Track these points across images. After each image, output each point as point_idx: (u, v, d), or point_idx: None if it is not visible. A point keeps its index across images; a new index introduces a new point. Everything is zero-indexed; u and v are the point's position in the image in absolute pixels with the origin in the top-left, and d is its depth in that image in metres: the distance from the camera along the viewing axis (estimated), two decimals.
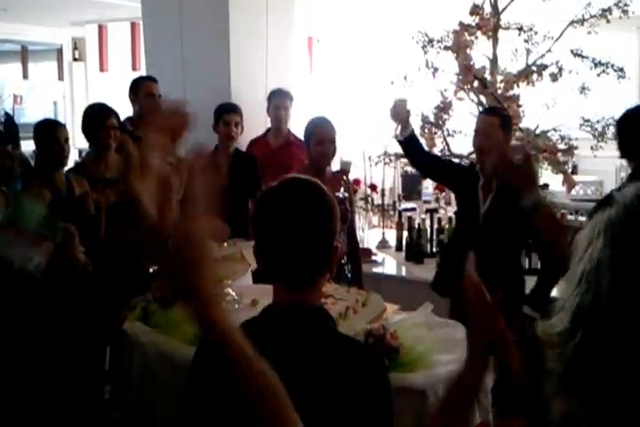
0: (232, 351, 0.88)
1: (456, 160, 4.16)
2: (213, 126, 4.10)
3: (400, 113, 3.30)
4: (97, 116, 3.50)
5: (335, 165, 3.63)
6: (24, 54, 10.06)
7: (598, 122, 4.29)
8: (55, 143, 3.20)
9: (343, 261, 3.43)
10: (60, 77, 10.43)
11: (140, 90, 4.16)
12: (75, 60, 10.42)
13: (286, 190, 1.42)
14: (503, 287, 2.95)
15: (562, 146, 4.28)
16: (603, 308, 0.77)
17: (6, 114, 3.67)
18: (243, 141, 4.47)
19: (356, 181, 4.47)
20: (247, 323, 1.44)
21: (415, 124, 4.46)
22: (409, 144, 3.38)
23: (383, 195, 4.42)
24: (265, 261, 1.42)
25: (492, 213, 3.08)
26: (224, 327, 0.89)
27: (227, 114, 4.08)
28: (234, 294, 2.83)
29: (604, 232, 0.80)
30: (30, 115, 9.35)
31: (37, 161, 3.40)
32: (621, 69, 4.32)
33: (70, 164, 3.73)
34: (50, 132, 3.25)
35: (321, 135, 3.35)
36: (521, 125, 4.33)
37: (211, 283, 0.90)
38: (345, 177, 3.45)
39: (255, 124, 4.64)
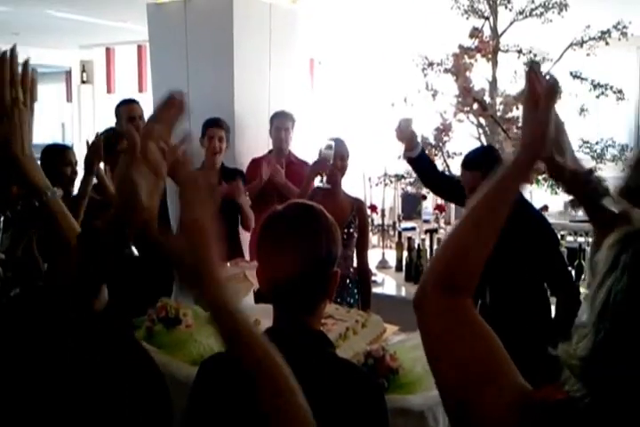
0: (242, 335, 0.89)
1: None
2: (200, 140, 4.14)
3: (405, 133, 3.32)
4: (109, 140, 3.56)
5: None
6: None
7: (597, 143, 4.32)
8: (65, 166, 3.24)
9: (348, 281, 3.45)
10: (69, 99, 10.59)
11: (121, 115, 4.21)
12: (83, 82, 10.57)
13: (289, 215, 1.44)
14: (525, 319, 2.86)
15: None
16: (622, 338, 0.79)
17: None
18: (245, 161, 4.54)
19: (373, 207, 4.50)
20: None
21: None
22: (419, 163, 3.38)
23: (383, 215, 4.45)
24: (266, 283, 1.44)
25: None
26: (231, 308, 0.89)
27: (210, 128, 4.10)
28: None
29: (626, 265, 0.80)
30: (39, 136, 9.45)
31: None
32: (620, 91, 4.36)
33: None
34: (59, 155, 3.29)
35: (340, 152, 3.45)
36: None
37: (217, 265, 0.91)
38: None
39: (258, 144, 4.71)
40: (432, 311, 1.02)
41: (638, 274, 0.79)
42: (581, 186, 1.27)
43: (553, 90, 1.09)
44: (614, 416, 0.79)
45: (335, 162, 3.43)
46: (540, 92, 1.08)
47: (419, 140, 4.31)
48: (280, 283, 1.40)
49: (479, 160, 2.97)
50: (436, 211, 4.65)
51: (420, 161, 3.37)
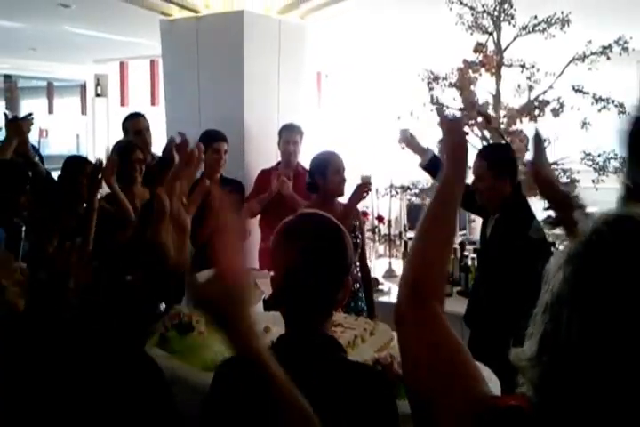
0: (271, 377, 0.92)
1: None
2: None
3: (405, 141, 3.43)
4: (123, 151, 3.68)
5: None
6: (50, 90, 10.44)
7: (599, 156, 4.39)
8: (84, 178, 3.32)
9: (357, 287, 3.52)
10: (83, 112, 10.78)
11: (129, 129, 4.33)
12: (97, 95, 10.76)
13: (303, 225, 1.48)
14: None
15: (564, 179, 4.38)
16: (563, 338, 0.80)
17: (32, 147, 3.91)
18: (254, 171, 4.65)
19: (364, 213, 4.60)
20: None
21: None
22: (433, 169, 3.42)
23: (390, 225, 4.54)
24: (279, 290, 1.47)
25: (492, 240, 3.15)
26: (261, 354, 0.91)
27: (217, 141, 4.19)
28: None
29: (564, 266, 0.82)
30: (55, 147, 9.65)
31: (61, 193, 3.51)
32: (622, 105, 4.43)
33: None
34: (79, 167, 3.39)
35: (337, 164, 3.51)
36: (525, 160, 4.44)
37: (249, 311, 0.92)
38: (363, 193, 3.53)
39: (267, 156, 4.82)
40: (409, 324, 1.09)
41: (576, 279, 0.82)
42: (568, 202, 1.41)
43: (451, 125, 1.38)
44: (561, 419, 0.80)
45: (334, 177, 3.50)
46: (445, 126, 1.37)
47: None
48: (293, 292, 1.43)
49: (488, 152, 3.27)
50: None
51: (434, 167, 3.38)
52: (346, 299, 1.49)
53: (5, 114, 3.47)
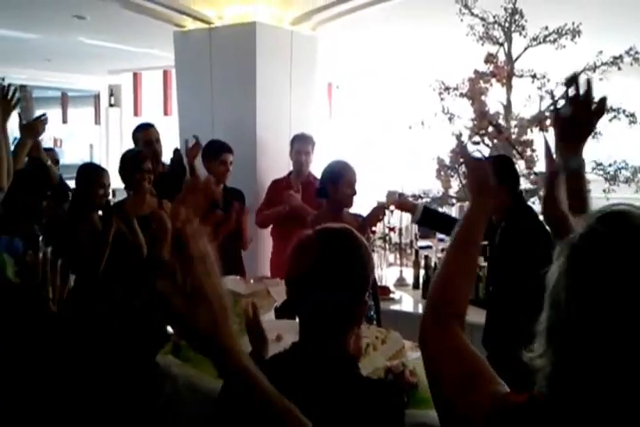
0: (258, 397, 0.91)
1: None
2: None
3: (395, 203, 3.52)
4: (133, 161, 3.70)
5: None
6: (64, 100, 10.56)
7: (610, 166, 4.39)
8: (98, 187, 3.35)
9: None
10: (97, 122, 10.88)
11: (139, 140, 4.36)
12: (110, 105, 10.86)
13: (324, 240, 1.46)
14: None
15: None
16: (565, 327, 0.87)
17: (51, 149, 4.01)
18: (266, 181, 4.69)
19: (391, 227, 4.63)
20: (274, 359, 1.52)
21: (432, 167, 4.66)
22: (428, 222, 3.57)
23: (400, 234, 4.55)
24: (295, 304, 1.47)
25: (503, 253, 3.13)
26: (251, 372, 0.91)
27: (224, 153, 4.22)
28: None
29: (561, 258, 0.91)
30: (68, 157, 9.73)
31: (74, 201, 3.53)
32: (632, 115, 4.43)
33: None
34: (94, 176, 3.39)
35: (350, 178, 3.53)
36: (536, 170, 4.45)
37: (231, 334, 0.91)
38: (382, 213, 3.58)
39: (279, 165, 4.86)
40: (431, 341, 1.18)
41: (572, 265, 0.89)
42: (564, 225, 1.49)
43: (475, 165, 1.44)
44: (572, 409, 0.85)
45: (345, 190, 3.53)
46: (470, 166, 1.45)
47: (435, 161, 4.48)
48: (307, 303, 1.43)
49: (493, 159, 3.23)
50: None
51: (429, 219, 3.52)
52: (362, 318, 1.49)
53: (19, 116, 3.49)
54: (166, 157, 4.46)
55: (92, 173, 3.42)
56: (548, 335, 0.90)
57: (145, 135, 4.34)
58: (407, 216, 5.09)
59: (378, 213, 3.48)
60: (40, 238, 2.79)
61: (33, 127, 3.49)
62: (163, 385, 2.64)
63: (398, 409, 1.45)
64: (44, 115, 3.61)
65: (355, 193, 3.53)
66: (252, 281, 3.62)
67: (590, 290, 0.85)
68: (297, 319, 1.55)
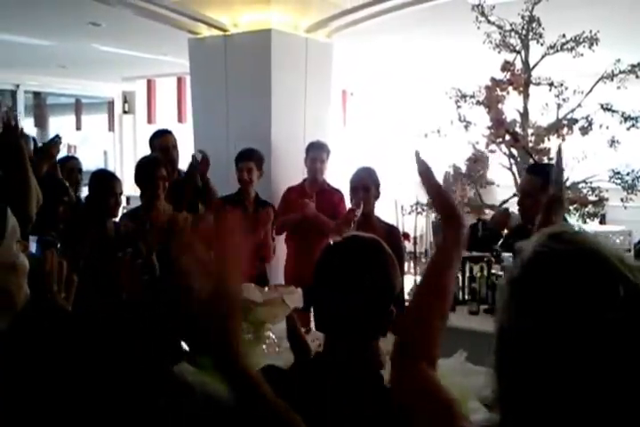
0: (259, 400, 0.95)
1: (487, 211, 4.25)
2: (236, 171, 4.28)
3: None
4: (148, 168, 3.69)
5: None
6: (78, 107, 10.61)
7: (628, 174, 4.35)
8: (110, 196, 3.34)
9: None
10: (111, 129, 10.92)
11: (155, 146, 4.34)
12: (124, 112, 10.90)
13: (351, 249, 1.44)
14: None
15: (592, 197, 4.34)
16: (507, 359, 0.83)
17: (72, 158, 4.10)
18: (281, 188, 4.68)
19: (405, 235, 4.60)
20: (294, 369, 1.50)
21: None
22: None
23: (415, 242, 4.52)
24: (321, 314, 1.44)
25: None
26: (252, 376, 0.94)
27: (240, 161, 4.24)
28: (274, 337, 2.90)
29: (506, 286, 0.86)
30: (82, 163, 9.77)
31: (89, 208, 3.51)
32: None
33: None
34: (107, 184, 3.38)
35: (356, 185, 3.53)
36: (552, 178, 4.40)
37: (239, 338, 0.95)
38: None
39: (293, 172, 4.84)
40: (394, 375, 1.16)
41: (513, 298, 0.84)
42: None
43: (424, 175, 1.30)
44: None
45: (359, 193, 3.51)
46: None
47: (451, 169, 4.46)
48: (336, 316, 1.40)
49: (541, 169, 3.18)
50: None
51: None
52: (389, 327, 1.44)
53: (34, 140, 3.51)
54: (182, 164, 4.46)
55: (104, 182, 3.41)
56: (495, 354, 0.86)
57: (162, 142, 4.33)
58: (421, 225, 5.09)
59: (349, 216, 3.45)
60: (58, 245, 2.78)
61: (48, 150, 3.51)
62: (180, 394, 2.61)
63: None
64: (57, 137, 3.64)
65: (361, 198, 3.49)
66: (266, 289, 3.59)
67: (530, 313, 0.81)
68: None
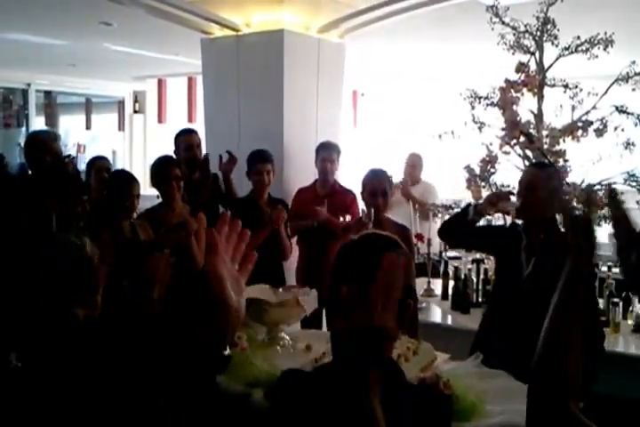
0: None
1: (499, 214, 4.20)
2: (247, 173, 4.24)
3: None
4: (162, 168, 3.70)
5: None
6: (88, 106, 10.64)
7: None
8: (128, 197, 3.35)
9: None
10: (121, 128, 10.94)
11: (179, 145, 4.37)
12: (135, 112, 10.91)
13: (366, 245, 1.45)
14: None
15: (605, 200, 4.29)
16: None
17: (71, 158, 4.14)
18: (292, 188, 4.65)
19: (418, 236, 4.58)
20: (318, 370, 1.50)
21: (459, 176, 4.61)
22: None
23: (429, 244, 4.49)
24: (337, 312, 1.43)
25: (535, 277, 2.87)
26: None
27: (258, 163, 4.19)
28: (288, 338, 2.89)
29: None
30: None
31: (105, 209, 3.51)
32: None
33: None
34: (125, 186, 3.39)
35: (373, 187, 3.53)
36: (567, 180, 4.37)
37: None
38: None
39: (305, 173, 4.84)
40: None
41: None
42: None
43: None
44: None
45: (377, 198, 3.50)
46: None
47: (465, 171, 4.43)
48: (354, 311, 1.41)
49: (549, 165, 3.26)
50: None
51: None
52: (406, 322, 1.43)
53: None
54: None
55: (123, 183, 3.41)
56: None
57: (187, 140, 4.37)
58: (436, 226, 5.04)
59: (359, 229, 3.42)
60: None
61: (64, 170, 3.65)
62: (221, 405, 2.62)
63: (446, 420, 1.44)
64: (69, 156, 3.85)
65: (376, 201, 3.50)
66: (280, 290, 3.58)
67: None
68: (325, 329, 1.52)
